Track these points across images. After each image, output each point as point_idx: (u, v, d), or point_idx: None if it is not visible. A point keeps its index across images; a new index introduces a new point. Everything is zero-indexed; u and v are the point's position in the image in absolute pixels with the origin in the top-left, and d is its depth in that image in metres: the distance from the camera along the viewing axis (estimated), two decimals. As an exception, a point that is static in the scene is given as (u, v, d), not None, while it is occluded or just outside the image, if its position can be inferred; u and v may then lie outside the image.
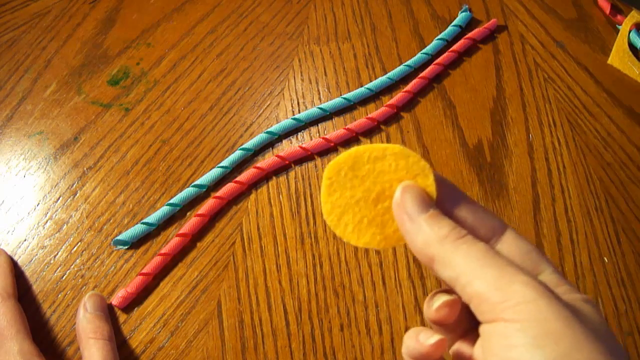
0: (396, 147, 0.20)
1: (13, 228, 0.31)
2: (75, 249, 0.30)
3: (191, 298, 0.29)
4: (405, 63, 0.37)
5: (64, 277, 0.30)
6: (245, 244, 0.31)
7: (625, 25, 0.39)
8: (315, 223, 0.31)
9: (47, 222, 0.31)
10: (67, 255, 0.30)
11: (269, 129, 0.34)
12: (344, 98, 0.35)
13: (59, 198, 0.32)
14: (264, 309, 0.29)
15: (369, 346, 0.28)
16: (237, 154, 0.33)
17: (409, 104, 0.36)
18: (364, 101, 0.36)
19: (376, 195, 0.20)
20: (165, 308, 0.29)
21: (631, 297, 0.29)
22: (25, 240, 0.31)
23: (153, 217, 0.31)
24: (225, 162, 0.33)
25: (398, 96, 0.35)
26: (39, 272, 0.30)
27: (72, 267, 0.30)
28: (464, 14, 0.39)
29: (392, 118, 0.35)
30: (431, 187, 0.19)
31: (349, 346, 0.28)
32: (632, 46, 0.39)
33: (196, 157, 0.34)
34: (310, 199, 0.32)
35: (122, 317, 0.28)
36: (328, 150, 0.34)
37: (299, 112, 0.36)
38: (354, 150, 0.20)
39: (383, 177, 0.20)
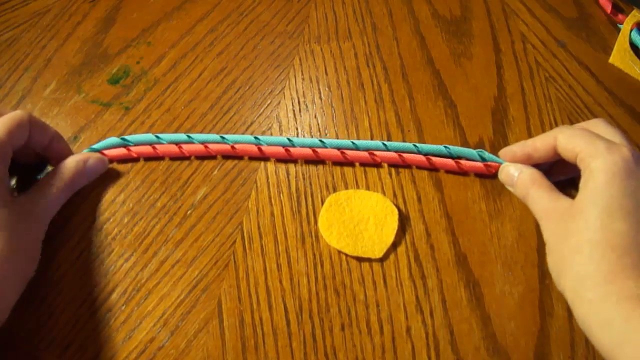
0: (380, 195, 0.31)
1: (12, 227, 0.31)
2: (75, 248, 0.30)
3: (191, 297, 0.29)
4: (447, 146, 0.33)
5: (64, 276, 0.29)
6: (246, 243, 0.31)
7: (627, 25, 0.39)
8: (316, 222, 0.31)
9: (46, 221, 0.31)
10: (67, 255, 0.30)
11: (258, 136, 0.33)
12: (354, 143, 0.33)
13: (58, 197, 0.32)
14: (264, 308, 0.29)
15: (370, 346, 0.28)
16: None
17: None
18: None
19: (357, 221, 0.30)
20: (165, 307, 0.29)
21: (633, 297, 0.29)
22: (24, 239, 0.31)
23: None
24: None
25: (417, 159, 0.33)
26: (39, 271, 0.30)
27: (72, 266, 0.30)
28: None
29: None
30: (394, 224, 0.30)
31: (350, 346, 0.28)
32: (633, 45, 0.39)
33: (196, 156, 0.34)
34: (311, 198, 0.32)
35: (122, 316, 0.28)
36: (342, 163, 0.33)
37: (300, 112, 0.36)
38: (352, 190, 0.32)
39: (365, 211, 0.31)
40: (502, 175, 0.32)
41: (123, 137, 0.33)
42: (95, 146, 0.33)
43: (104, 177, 0.33)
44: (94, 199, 0.32)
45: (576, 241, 0.24)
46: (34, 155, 0.31)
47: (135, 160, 0.33)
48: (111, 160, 0.33)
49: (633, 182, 0.24)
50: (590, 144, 0.25)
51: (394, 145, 0.33)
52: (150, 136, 0.33)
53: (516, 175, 0.30)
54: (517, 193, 0.31)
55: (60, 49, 0.38)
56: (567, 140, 0.27)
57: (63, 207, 0.32)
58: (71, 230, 0.31)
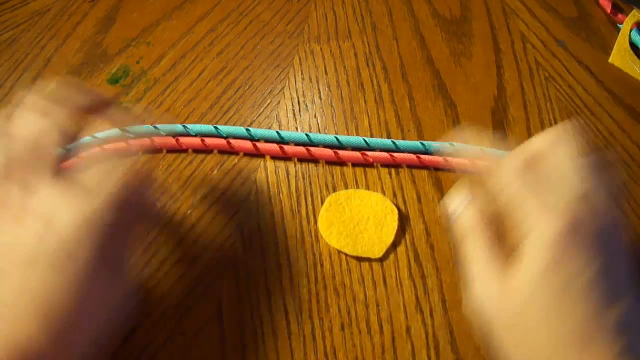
0: (380, 195, 0.31)
1: (12, 227, 0.31)
2: (74, 248, 0.30)
3: (191, 297, 0.29)
4: (423, 142, 0.33)
5: (64, 276, 0.29)
6: (246, 243, 0.31)
7: (627, 25, 0.39)
8: (316, 222, 0.31)
9: (46, 221, 0.31)
10: (67, 255, 0.30)
11: (250, 128, 0.34)
12: (337, 139, 0.33)
13: (58, 197, 0.32)
14: (264, 308, 0.29)
15: (370, 345, 0.28)
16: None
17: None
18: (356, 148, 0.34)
19: (357, 221, 0.30)
20: (165, 308, 0.29)
21: (633, 297, 0.29)
22: (24, 239, 0.31)
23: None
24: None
25: (407, 158, 0.33)
26: (39, 271, 0.30)
27: (72, 266, 0.30)
28: None
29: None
30: (394, 224, 0.30)
31: (350, 345, 0.28)
32: (633, 45, 0.39)
33: (196, 156, 0.34)
34: (311, 198, 0.32)
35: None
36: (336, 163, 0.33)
37: (300, 112, 0.36)
38: (352, 190, 0.32)
39: (365, 211, 0.31)
40: (447, 204, 0.27)
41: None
42: (98, 135, 0.33)
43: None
44: (94, 199, 0.32)
45: (529, 349, 0.21)
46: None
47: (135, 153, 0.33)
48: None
49: (574, 264, 0.20)
50: (526, 219, 0.21)
51: (403, 144, 0.33)
52: (149, 127, 0.34)
53: (458, 212, 0.26)
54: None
55: (60, 49, 0.38)
56: (507, 195, 0.23)
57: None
58: (71, 230, 0.31)
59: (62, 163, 0.24)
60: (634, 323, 0.20)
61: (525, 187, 0.22)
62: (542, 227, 0.21)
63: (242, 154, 0.34)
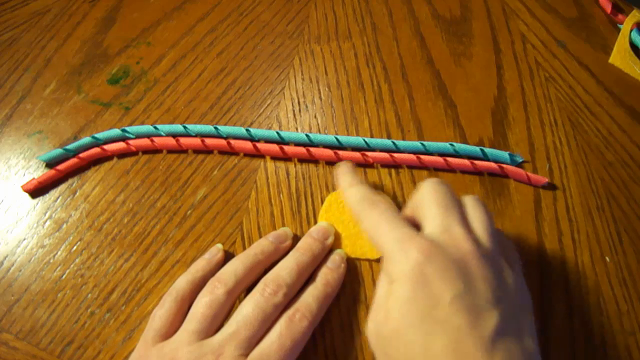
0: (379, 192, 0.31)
1: (12, 227, 0.31)
2: (74, 248, 0.30)
3: (191, 297, 0.29)
4: (423, 142, 0.33)
5: (64, 276, 0.29)
6: (246, 243, 0.31)
7: (627, 25, 0.39)
8: (316, 222, 0.31)
9: (46, 221, 0.31)
10: (67, 255, 0.30)
11: (249, 128, 0.34)
12: (337, 139, 0.33)
13: (58, 197, 0.32)
14: (264, 308, 0.29)
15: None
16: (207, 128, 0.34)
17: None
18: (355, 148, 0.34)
19: (356, 221, 0.29)
20: (165, 307, 0.29)
21: (633, 297, 0.29)
22: (24, 239, 0.31)
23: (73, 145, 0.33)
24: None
25: (403, 157, 0.33)
26: (38, 271, 0.30)
27: (72, 266, 0.30)
28: (513, 159, 0.33)
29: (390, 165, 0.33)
30: None
31: (349, 345, 0.28)
32: (633, 45, 0.39)
33: (196, 156, 0.34)
34: (311, 199, 0.32)
35: (122, 316, 0.28)
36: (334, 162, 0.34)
37: (300, 112, 0.36)
38: None
39: None
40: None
41: (123, 128, 0.34)
42: (97, 135, 0.33)
43: (104, 176, 0.33)
44: (94, 199, 0.32)
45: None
46: None
47: (134, 154, 0.33)
48: (112, 155, 0.33)
49: (433, 288, 0.21)
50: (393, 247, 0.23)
51: (403, 144, 0.33)
52: (149, 127, 0.34)
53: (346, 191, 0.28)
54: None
55: (60, 49, 0.38)
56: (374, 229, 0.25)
57: (62, 206, 0.32)
58: (71, 229, 0.31)
59: (61, 163, 0.24)
60: (508, 335, 0.21)
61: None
62: (403, 258, 0.22)
63: (242, 154, 0.34)
